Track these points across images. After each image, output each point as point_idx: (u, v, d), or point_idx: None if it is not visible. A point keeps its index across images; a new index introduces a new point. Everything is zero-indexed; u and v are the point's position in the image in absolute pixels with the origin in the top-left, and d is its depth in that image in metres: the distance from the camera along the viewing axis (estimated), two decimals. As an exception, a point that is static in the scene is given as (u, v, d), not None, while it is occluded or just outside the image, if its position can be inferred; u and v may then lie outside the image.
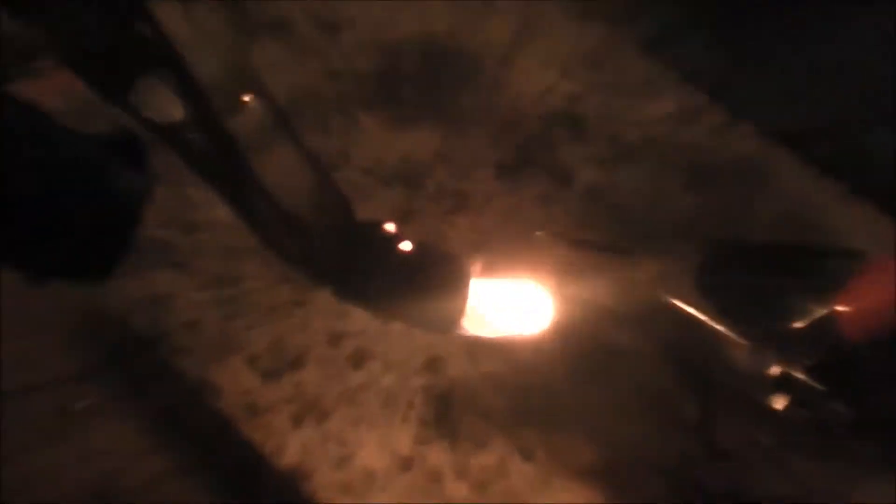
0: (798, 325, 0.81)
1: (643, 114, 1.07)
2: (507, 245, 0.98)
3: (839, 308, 0.79)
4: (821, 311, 0.80)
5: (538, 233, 0.97)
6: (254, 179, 0.67)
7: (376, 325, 0.96)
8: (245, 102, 0.64)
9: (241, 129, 0.64)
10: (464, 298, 0.77)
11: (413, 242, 0.74)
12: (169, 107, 0.63)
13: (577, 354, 0.93)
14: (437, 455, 0.90)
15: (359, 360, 0.95)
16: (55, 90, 0.75)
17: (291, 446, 0.90)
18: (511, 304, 0.83)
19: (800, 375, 0.82)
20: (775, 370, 0.83)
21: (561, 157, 1.05)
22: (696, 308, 0.87)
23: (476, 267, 0.78)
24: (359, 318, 0.97)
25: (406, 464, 0.90)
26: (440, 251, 0.77)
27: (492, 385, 0.94)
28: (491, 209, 1.02)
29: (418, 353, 0.97)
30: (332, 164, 1.02)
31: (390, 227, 0.76)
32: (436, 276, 0.76)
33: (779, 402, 0.83)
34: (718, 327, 0.86)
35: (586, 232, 0.99)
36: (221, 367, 0.92)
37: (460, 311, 0.77)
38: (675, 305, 0.89)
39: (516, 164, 1.05)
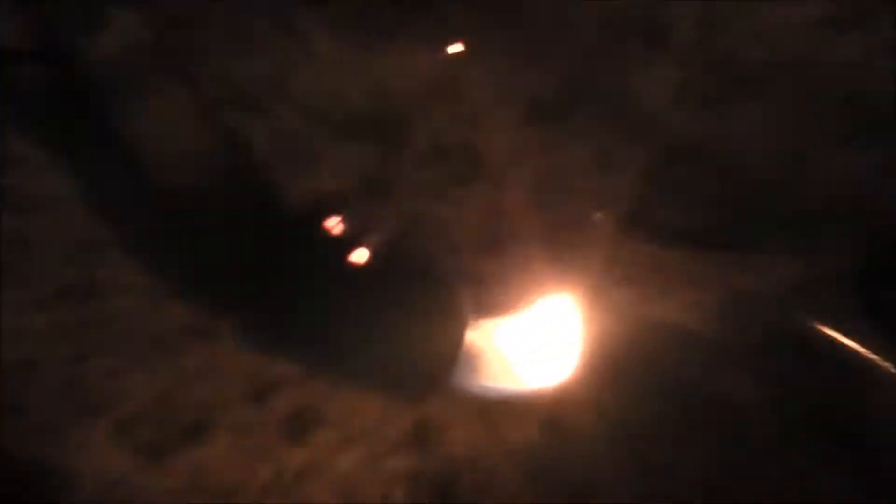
0: None
1: (772, 20, 1.05)
2: (545, 237, 0.98)
3: None
4: None
5: (596, 215, 0.97)
6: (120, 138, 0.72)
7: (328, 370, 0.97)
8: (110, 17, 0.69)
9: (102, 56, 0.68)
10: (455, 339, 0.79)
11: (373, 249, 0.77)
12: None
13: (653, 411, 0.95)
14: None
15: (300, 427, 0.95)
16: None
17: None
18: (530, 339, 0.86)
19: None
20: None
21: (635, 90, 1.02)
22: (854, 338, 0.90)
23: (473, 292, 0.83)
24: (304, 353, 0.97)
25: None
26: (417, 263, 0.80)
27: (517, 467, 0.94)
28: (518, 177, 1.01)
29: (397, 415, 0.96)
30: (260, 104, 0.99)
31: (335, 223, 0.78)
32: (409, 305, 0.78)
33: None
34: (890, 368, 0.89)
35: (674, 214, 0.98)
36: (74, 438, 0.94)
37: (450, 359, 0.80)
38: (818, 333, 0.92)
39: (561, 101, 1.02)
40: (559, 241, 0.97)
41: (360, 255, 0.77)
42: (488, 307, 0.87)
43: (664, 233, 0.97)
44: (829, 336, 0.91)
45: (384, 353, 0.81)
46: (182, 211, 0.77)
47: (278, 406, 0.96)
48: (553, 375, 0.88)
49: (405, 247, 0.86)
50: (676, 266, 0.96)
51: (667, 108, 1.03)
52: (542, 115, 1.04)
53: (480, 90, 1.04)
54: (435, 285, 0.82)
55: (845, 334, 0.91)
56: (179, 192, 0.75)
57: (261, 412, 0.96)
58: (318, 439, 0.95)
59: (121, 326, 0.97)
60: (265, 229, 0.80)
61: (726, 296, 0.94)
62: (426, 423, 0.96)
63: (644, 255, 0.96)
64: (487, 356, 0.84)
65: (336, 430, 0.96)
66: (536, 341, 0.87)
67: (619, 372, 0.92)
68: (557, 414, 0.95)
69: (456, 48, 1.05)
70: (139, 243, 0.91)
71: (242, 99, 0.91)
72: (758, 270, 0.94)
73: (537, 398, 0.95)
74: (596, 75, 1.04)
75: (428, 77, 1.04)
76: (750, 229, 0.98)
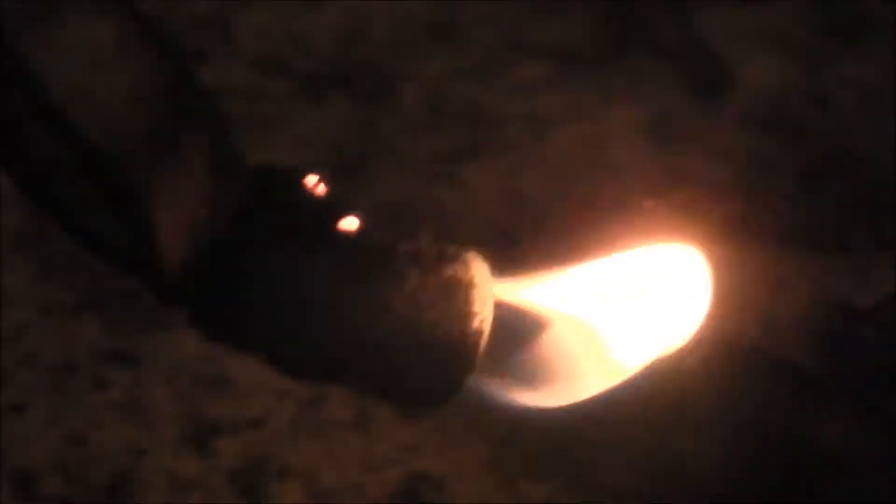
0: None
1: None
2: (578, 229, 0.90)
3: None
4: None
5: (647, 202, 0.91)
6: (20, 85, 0.56)
7: (294, 397, 0.92)
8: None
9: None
10: (476, 329, 0.68)
11: (364, 216, 0.64)
12: None
13: (724, 466, 0.89)
14: None
15: (251, 478, 0.88)
16: None
17: None
18: (557, 357, 0.75)
19: None
20: None
21: (701, 35, 0.97)
22: None
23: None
24: (255, 384, 0.92)
25: None
26: (422, 234, 0.67)
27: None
28: (543, 149, 0.96)
29: (382, 465, 0.89)
30: (198, 51, 0.94)
31: (314, 180, 0.67)
32: (418, 285, 0.67)
33: None
34: None
35: (751, 201, 0.93)
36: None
37: (471, 356, 0.68)
38: None
39: (600, 48, 0.97)
40: (597, 235, 0.84)
41: (348, 222, 0.72)
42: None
43: (738, 226, 0.91)
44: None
45: (377, 356, 0.73)
46: (119, 167, 0.67)
47: (226, 451, 0.89)
48: (588, 410, 0.80)
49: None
50: (754, 272, 0.89)
51: (744, 59, 0.98)
52: (575, 67, 0.98)
53: (492, 32, 0.99)
54: (445, 268, 0.75)
55: None
56: (113, 139, 0.64)
57: (204, 460, 0.88)
58: (278, 495, 0.88)
59: (20, 350, 0.90)
60: (236, 189, 0.72)
61: (822, 311, 0.89)
62: (421, 476, 0.89)
63: (711, 256, 0.86)
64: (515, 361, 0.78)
65: (300, 484, 0.89)
66: (565, 362, 0.79)
67: (679, 411, 0.86)
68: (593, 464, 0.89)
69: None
70: (41, 238, 0.87)
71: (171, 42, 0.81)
72: (863, 278, 0.90)
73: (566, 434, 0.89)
74: (647, 14, 0.99)
75: (421, 14, 0.99)
76: (854, 224, 0.93)
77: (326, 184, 0.74)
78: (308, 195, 0.73)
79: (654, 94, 0.98)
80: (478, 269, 0.75)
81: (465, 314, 0.72)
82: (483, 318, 0.72)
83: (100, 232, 0.72)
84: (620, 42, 0.99)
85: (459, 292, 0.72)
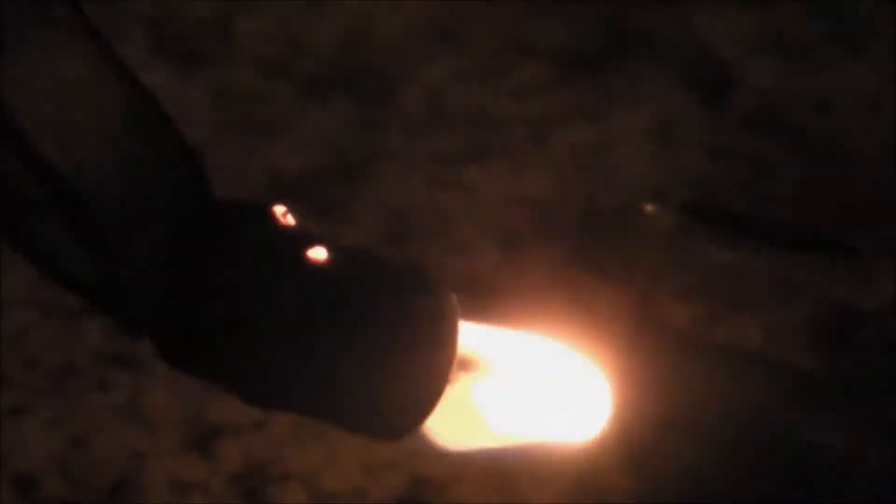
0: None
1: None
2: (579, 233, 0.94)
3: None
4: None
5: (648, 206, 0.93)
6: None
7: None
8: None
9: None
10: (442, 369, 0.70)
11: (332, 247, 0.67)
12: None
13: (719, 473, 0.88)
14: None
15: (253, 482, 0.89)
16: None
17: None
18: (538, 380, 0.78)
19: None
20: None
21: (701, 37, 0.97)
22: None
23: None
24: None
25: None
26: (393, 264, 0.71)
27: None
28: (544, 153, 0.96)
29: (383, 469, 0.90)
30: (198, 53, 0.95)
31: (281, 211, 0.70)
32: (382, 321, 0.69)
33: None
34: None
35: (751, 205, 0.95)
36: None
37: (433, 397, 0.70)
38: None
39: (601, 51, 0.98)
40: (598, 239, 0.93)
41: (316, 252, 0.70)
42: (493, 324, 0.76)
43: (739, 229, 0.91)
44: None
45: (354, 390, 0.69)
46: (87, 202, 0.63)
47: (228, 455, 0.89)
48: (583, 424, 0.76)
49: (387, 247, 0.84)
50: (754, 274, 0.90)
51: (744, 61, 0.99)
52: (576, 69, 0.99)
53: (493, 35, 1.00)
54: (422, 295, 0.73)
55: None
56: (82, 175, 0.62)
57: (205, 464, 0.89)
58: (284, 498, 0.89)
59: (21, 352, 0.90)
60: (202, 223, 0.69)
61: (821, 315, 0.89)
62: (419, 480, 0.90)
63: (711, 259, 0.90)
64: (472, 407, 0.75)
65: (303, 486, 0.89)
66: (561, 375, 0.75)
67: (673, 418, 0.86)
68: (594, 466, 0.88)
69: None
70: (38, 245, 0.80)
71: (174, 45, 0.89)
72: (864, 281, 0.89)
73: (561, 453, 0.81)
74: (648, 16, 1.00)
75: (422, 16, 0.99)
76: (855, 226, 0.93)
77: (294, 216, 0.75)
78: (275, 228, 0.72)
79: (654, 96, 0.98)
80: (448, 303, 0.75)
81: (435, 347, 0.72)
82: (451, 351, 0.73)
83: (69, 264, 0.71)
84: (621, 44, 0.99)
85: (430, 325, 0.72)
